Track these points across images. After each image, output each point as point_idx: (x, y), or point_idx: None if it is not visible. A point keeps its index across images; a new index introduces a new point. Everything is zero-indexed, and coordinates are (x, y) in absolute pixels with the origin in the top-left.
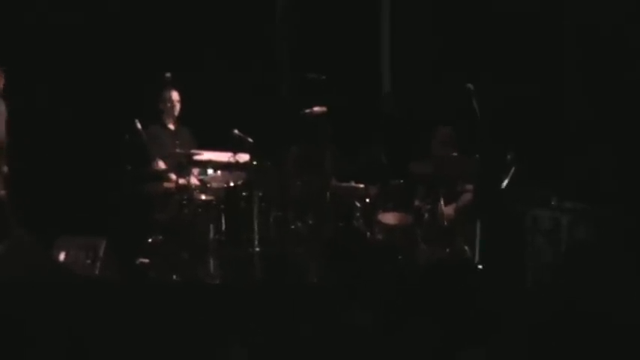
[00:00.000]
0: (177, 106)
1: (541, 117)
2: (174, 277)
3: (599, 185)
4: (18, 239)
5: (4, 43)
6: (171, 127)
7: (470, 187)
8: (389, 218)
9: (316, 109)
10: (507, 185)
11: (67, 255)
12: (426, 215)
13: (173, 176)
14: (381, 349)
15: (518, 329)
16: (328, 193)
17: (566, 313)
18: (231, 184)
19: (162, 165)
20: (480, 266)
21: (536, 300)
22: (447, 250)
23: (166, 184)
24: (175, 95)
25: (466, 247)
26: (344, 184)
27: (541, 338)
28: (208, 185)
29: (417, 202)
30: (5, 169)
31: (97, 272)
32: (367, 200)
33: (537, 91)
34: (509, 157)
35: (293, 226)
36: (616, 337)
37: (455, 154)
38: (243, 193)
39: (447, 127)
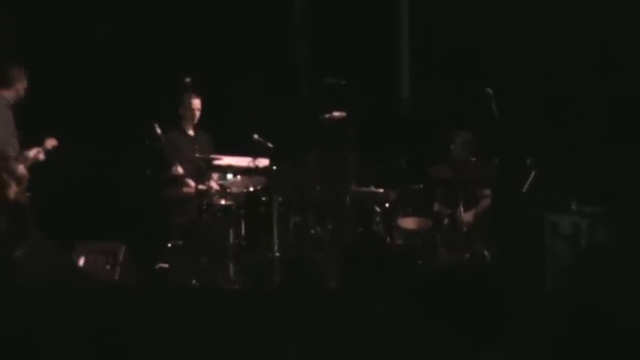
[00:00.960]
0: (198, 114)
1: (560, 120)
2: (194, 282)
3: (618, 188)
4: (38, 244)
5: (25, 47)
6: (191, 132)
7: (489, 191)
8: (408, 223)
9: (336, 113)
10: (527, 190)
11: (86, 260)
12: (446, 220)
13: (191, 182)
14: (404, 351)
15: (538, 332)
16: (348, 198)
17: (585, 316)
18: (251, 189)
19: (180, 170)
20: (500, 270)
21: (555, 303)
22: (467, 254)
23: (186, 189)
24: (197, 103)
25: (485, 252)
26: (363, 189)
27: (560, 342)
28: (228, 190)
29: (436, 207)
30: (26, 174)
31: (116, 277)
32: (387, 205)
33: (556, 94)
34: (528, 161)
35: (312, 231)
36: (632, 340)
37: (474, 159)
38: (263, 198)
39: (466, 131)
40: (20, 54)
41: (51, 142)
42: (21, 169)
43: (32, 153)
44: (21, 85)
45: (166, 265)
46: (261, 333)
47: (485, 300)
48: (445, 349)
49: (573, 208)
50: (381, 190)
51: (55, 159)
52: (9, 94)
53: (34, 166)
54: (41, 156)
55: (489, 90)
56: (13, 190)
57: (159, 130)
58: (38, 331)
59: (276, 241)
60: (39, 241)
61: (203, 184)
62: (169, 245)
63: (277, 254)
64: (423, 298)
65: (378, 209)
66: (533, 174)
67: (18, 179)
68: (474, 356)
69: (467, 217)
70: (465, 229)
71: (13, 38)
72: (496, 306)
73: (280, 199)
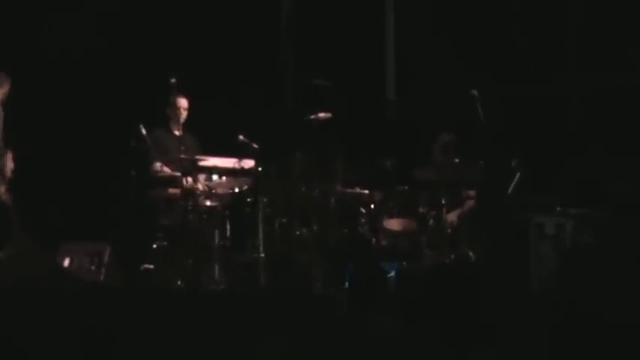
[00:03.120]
0: (185, 113)
1: (544, 122)
2: (179, 282)
3: (602, 189)
4: (22, 244)
5: (6, 48)
6: (177, 132)
7: (474, 193)
8: (393, 224)
9: (321, 114)
10: (512, 191)
11: (71, 261)
12: (431, 221)
13: (177, 174)
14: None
15: (524, 332)
16: (333, 199)
17: (571, 316)
18: (237, 190)
19: (165, 169)
20: (485, 272)
21: (540, 304)
22: (452, 255)
23: (171, 190)
24: (184, 102)
25: (470, 253)
26: (349, 190)
27: (545, 341)
28: (213, 191)
29: (421, 209)
30: (9, 174)
31: (101, 278)
32: (372, 206)
33: (540, 95)
34: (513, 163)
35: (298, 232)
36: (618, 339)
37: (457, 160)
38: (248, 199)
39: (448, 133)
40: (3, 54)
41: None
42: (8, 168)
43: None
44: (4, 88)
45: (152, 266)
46: (246, 334)
47: (469, 301)
48: (432, 350)
49: (558, 209)
50: (367, 192)
51: (40, 158)
52: None
53: (19, 166)
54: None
55: (474, 91)
56: (2, 190)
57: (144, 131)
58: (22, 332)
59: (261, 242)
60: (23, 241)
61: (189, 184)
62: (155, 246)
63: (262, 255)
64: (410, 300)
65: (363, 210)
66: (518, 175)
67: (4, 178)
68: (462, 357)
69: (452, 218)
70: (449, 230)
71: None
72: (480, 307)
73: (265, 200)
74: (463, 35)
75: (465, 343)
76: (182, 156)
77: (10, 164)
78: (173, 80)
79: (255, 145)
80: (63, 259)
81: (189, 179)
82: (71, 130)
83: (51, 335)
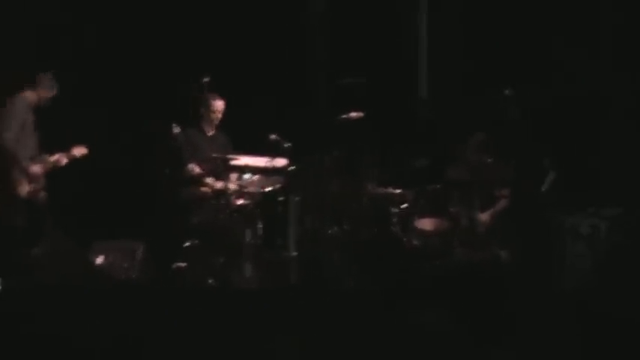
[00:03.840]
0: (220, 115)
1: (578, 121)
2: (210, 281)
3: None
4: (56, 242)
5: (48, 49)
6: (209, 132)
7: (506, 192)
8: (426, 224)
9: (353, 114)
10: (545, 191)
11: (104, 259)
12: (463, 221)
13: (209, 180)
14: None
15: (555, 333)
16: (365, 199)
17: (600, 316)
18: (268, 189)
19: (197, 169)
20: (516, 272)
21: (571, 304)
22: (483, 255)
23: (203, 189)
24: (220, 105)
25: (502, 253)
26: (381, 190)
27: (574, 342)
28: (245, 190)
29: (453, 208)
30: (40, 174)
31: (134, 276)
32: (404, 205)
33: (574, 94)
34: (546, 162)
35: (329, 232)
36: None
37: (489, 159)
38: (280, 198)
39: (481, 133)
40: (44, 55)
41: (79, 151)
42: (35, 168)
43: (54, 157)
44: (46, 92)
45: (183, 265)
46: (276, 333)
47: (498, 298)
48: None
49: (592, 209)
50: (398, 191)
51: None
52: (31, 97)
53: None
54: (64, 161)
55: (508, 91)
56: (25, 188)
57: (177, 130)
58: (56, 329)
59: (292, 241)
60: (57, 239)
61: (221, 183)
62: (187, 245)
63: (294, 254)
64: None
65: (395, 210)
66: (550, 175)
67: (30, 178)
68: (486, 354)
69: (484, 217)
70: (482, 229)
71: (38, 41)
72: (509, 305)
73: (297, 198)
74: (496, 34)
75: (490, 340)
76: (214, 155)
77: (55, 161)
78: (206, 79)
79: (287, 144)
80: (96, 257)
81: (219, 184)
82: (105, 129)
83: (84, 332)
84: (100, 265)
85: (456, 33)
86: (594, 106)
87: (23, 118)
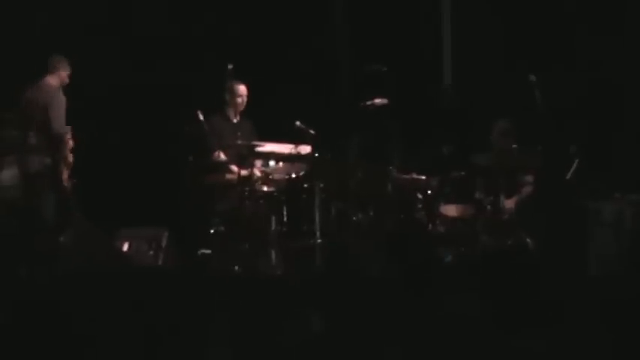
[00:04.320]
0: (244, 100)
1: (603, 107)
2: (236, 268)
3: None
4: (82, 229)
5: (69, 36)
6: (234, 119)
7: (530, 179)
8: (450, 210)
9: (377, 100)
10: (570, 177)
11: (130, 246)
12: (488, 207)
13: (234, 168)
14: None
15: (581, 319)
16: (389, 185)
17: (629, 302)
18: (293, 176)
19: (222, 156)
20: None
21: (599, 290)
22: (509, 242)
23: (228, 176)
24: (243, 89)
25: (528, 240)
26: (405, 176)
27: (604, 329)
28: (270, 177)
29: (478, 194)
30: (70, 159)
31: (159, 263)
32: (428, 192)
33: (599, 79)
34: (571, 149)
35: (354, 218)
36: None
37: (514, 146)
38: (305, 185)
39: (506, 119)
40: (63, 42)
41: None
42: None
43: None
44: (64, 72)
45: (209, 251)
46: (303, 320)
47: (526, 285)
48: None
49: (617, 195)
50: (423, 177)
51: (100, 145)
52: (54, 81)
53: (78, 153)
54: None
55: (533, 76)
56: (65, 176)
57: (201, 117)
58: (82, 315)
59: (317, 228)
60: (83, 226)
61: (245, 170)
62: (212, 231)
63: (319, 241)
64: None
65: (419, 196)
66: (576, 161)
67: (67, 164)
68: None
69: (509, 204)
70: (506, 216)
71: (55, 27)
72: (537, 292)
73: (322, 185)
74: (520, 20)
75: (518, 327)
76: (239, 142)
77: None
78: (230, 66)
79: (311, 131)
80: (122, 244)
81: (244, 171)
82: (130, 116)
83: (110, 319)
84: (126, 252)
85: (479, 19)
86: (620, 91)
87: (59, 101)
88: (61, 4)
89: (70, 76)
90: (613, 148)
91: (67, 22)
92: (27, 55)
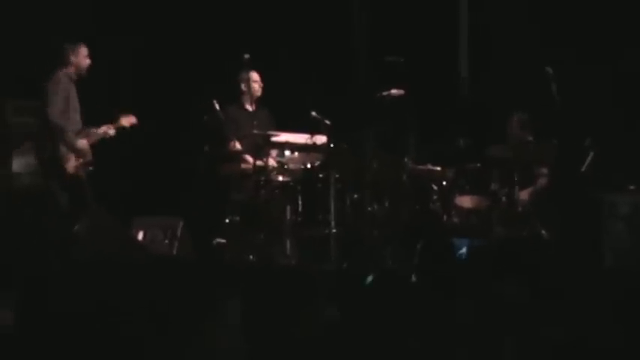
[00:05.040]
0: (257, 87)
1: (619, 100)
2: (250, 257)
3: None
4: (97, 218)
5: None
6: (250, 108)
7: (545, 171)
8: (466, 201)
9: (394, 91)
10: (585, 170)
11: (145, 235)
12: (503, 199)
13: (249, 158)
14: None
15: (595, 311)
16: (405, 176)
17: None
18: (309, 166)
19: (238, 146)
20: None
21: (613, 281)
22: (523, 233)
23: (243, 165)
24: (255, 76)
25: (542, 231)
26: (421, 167)
27: (618, 319)
28: (285, 166)
29: (493, 186)
30: (87, 148)
31: (174, 252)
32: (444, 183)
33: (615, 72)
34: (587, 141)
35: (369, 208)
36: None
37: (530, 138)
38: (320, 175)
39: (522, 112)
40: (79, 32)
41: (128, 120)
42: (82, 143)
43: (101, 130)
44: (79, 61)
45: (223, 241)
46: (318, 310)
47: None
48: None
49: (632, 188)
50: (439, 168)
51: (116, 135)
52: (68, 72)
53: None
54: (111, 132)
55: (549, 69)
56: (71, 164)
57: (217, 107)
58: (97, 304)
59: (333, 218)
60: (98, 215)
61: (261, 160)
62: (227, 221)
63: (334, 231)
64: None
65: (435, 187)
66: (591, 154)
67: (78, 153)
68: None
69: (524, 195)
70: (521, 208)
71: (70, 19)
72: (550, 282)
73: (337, 175)
74: (537, 12)
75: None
76: (255, 131)
77: (102, 133)
78: (246, 56)
79: (327, 121)
80: (137, 233)
81: (259, 161)
82: (145, 106)
83: (125, 308)
84: (141, 241)
85: (496, 12)
86: (636, 84)
87: (67, 92)
88: None
89: (91, 56)
90: (628, 141)
91: (84, 12)
92: (48, 44)
